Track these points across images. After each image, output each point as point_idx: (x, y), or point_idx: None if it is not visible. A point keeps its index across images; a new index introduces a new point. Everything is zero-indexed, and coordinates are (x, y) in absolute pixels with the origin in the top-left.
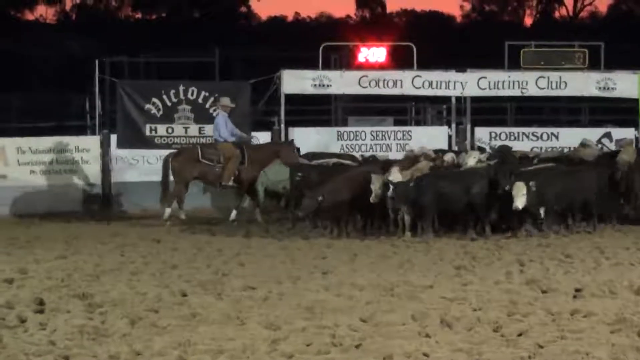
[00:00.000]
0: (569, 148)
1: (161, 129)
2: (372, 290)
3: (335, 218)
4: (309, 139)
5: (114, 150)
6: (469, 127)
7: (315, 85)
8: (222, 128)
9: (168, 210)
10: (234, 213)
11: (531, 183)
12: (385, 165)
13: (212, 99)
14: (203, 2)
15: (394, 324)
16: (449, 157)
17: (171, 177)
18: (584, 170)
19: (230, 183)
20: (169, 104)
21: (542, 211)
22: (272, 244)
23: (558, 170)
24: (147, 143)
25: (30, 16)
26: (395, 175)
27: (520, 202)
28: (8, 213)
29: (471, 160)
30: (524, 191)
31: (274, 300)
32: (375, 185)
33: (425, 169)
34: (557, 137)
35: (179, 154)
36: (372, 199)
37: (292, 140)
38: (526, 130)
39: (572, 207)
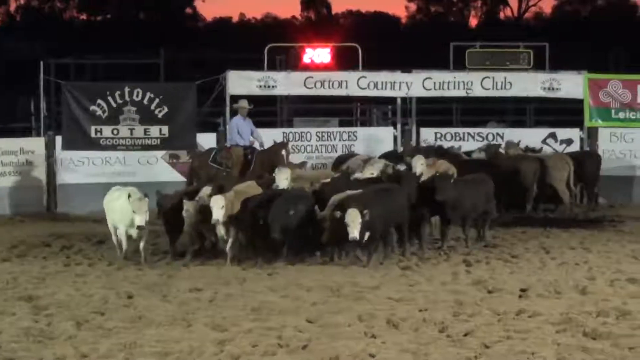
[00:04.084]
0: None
1: (106, 131)
2: (318, 291)
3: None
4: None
5: (59, 152)
6: (414, 127)
7: (260, 86)
8: (233, 132)
9: None
10: None
11: (365, 211)
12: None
13: (157, 100)
14: (149, 4)
15: (340, 325)
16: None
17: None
18: (396, 189)
19: None
20: (114, 105)
21: (366, 235)
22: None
23: (377, 190)
24: (93, 145)
25: None
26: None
27: (356, 231)
28: None
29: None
30: (359, 219)
31: (220, 302)
32: (189, 212)
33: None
34: (502, 138)
35: (200, 156)
36: (185, 228)
37: (287, 142)
38: (472, 130)
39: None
